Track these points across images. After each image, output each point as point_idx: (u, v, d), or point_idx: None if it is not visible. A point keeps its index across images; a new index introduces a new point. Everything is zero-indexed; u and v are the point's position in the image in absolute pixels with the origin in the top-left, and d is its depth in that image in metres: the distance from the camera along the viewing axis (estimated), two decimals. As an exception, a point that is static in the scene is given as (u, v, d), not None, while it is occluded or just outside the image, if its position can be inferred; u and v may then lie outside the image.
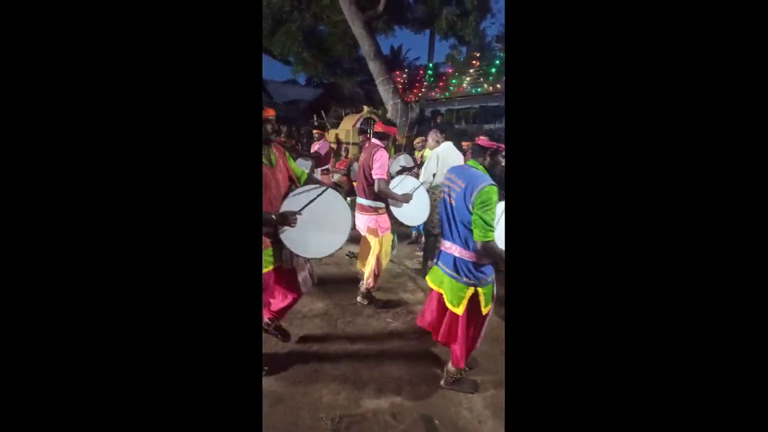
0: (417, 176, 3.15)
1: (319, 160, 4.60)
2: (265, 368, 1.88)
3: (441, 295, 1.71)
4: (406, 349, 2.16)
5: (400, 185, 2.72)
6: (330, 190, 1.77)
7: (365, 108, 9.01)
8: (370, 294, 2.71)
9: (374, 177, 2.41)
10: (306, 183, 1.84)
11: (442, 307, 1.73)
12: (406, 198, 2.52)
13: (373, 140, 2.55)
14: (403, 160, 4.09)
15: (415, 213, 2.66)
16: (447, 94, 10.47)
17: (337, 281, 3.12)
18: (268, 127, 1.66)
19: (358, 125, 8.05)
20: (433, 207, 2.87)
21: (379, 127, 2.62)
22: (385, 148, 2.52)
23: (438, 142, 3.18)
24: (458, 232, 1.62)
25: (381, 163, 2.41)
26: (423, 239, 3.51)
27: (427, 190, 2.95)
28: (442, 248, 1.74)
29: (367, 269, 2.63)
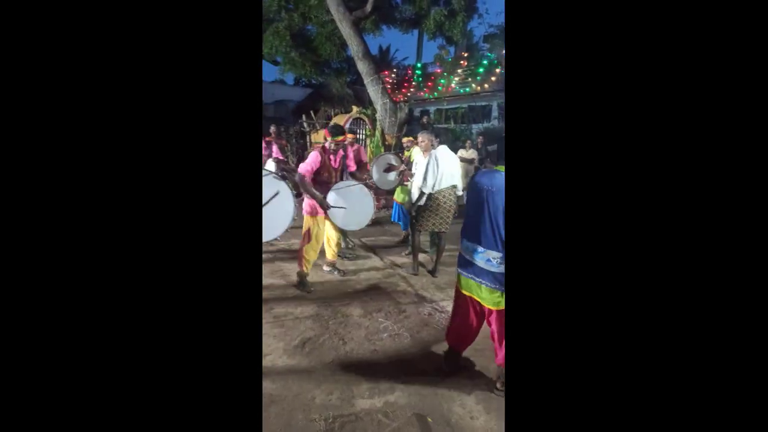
0: (407, 175, 3.33)
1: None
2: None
3: (474, 300, 1.83)
4: (398, 348, 2.17)
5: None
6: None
7: (354, 108, 8.99)
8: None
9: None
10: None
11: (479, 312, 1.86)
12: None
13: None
14: (393, 159, 4.13)
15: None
16: (436, 94, 10.52)
17: (327, 282, 3.11)
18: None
19: (347, 125, 8.04)
20: (447, 209, 3.03)
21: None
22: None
23: (433, 146, 3.08)
24: (495, 237, 1.70)
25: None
26: (410, 237, 3.48)
27: (431, 195, 3.00)
28: (477, 255, 1.76)
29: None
